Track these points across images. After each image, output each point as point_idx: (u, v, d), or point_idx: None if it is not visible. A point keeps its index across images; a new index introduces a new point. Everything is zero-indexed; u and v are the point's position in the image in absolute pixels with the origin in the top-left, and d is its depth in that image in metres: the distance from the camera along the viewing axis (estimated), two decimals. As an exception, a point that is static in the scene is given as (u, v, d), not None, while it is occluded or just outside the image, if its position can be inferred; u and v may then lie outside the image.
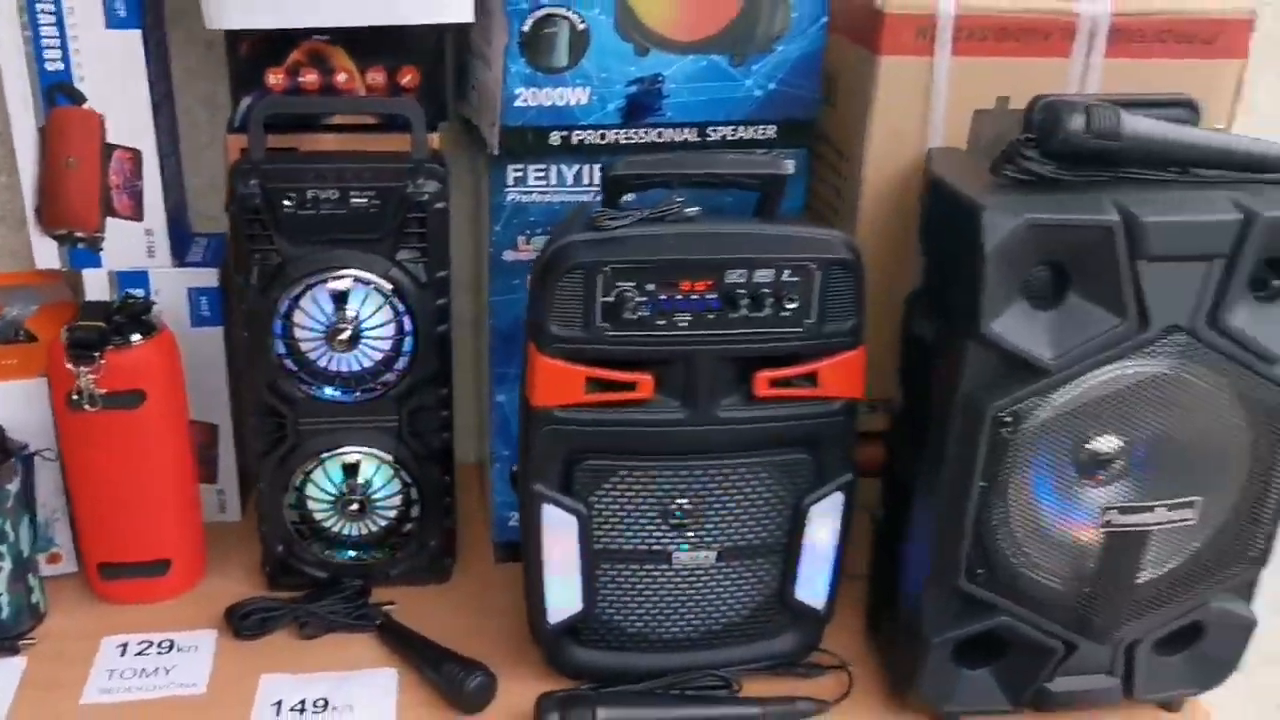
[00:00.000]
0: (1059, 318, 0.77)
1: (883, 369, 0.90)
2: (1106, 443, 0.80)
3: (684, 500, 0.86)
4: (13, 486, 0.91)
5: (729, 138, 0.94)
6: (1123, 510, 0.80)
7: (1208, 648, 0.90)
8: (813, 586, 0.91)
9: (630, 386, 0.82)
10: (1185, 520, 0.81)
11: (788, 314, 0.82)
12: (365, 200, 0.89)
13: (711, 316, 0.81)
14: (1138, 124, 0.77)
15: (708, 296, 0.81)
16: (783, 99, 0.94)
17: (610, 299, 0.80)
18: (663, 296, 0.80)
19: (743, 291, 0.81)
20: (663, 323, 0.81)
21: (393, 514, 1.00)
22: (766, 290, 0.81)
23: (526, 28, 0.88)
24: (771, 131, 0.95)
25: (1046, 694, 0.88)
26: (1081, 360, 0.76)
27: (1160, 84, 0.89)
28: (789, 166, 0.86)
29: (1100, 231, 0.74)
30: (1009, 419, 0.77)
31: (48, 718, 0.88)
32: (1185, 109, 0.83)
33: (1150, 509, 0.80)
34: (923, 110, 0.90)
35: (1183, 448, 0.80)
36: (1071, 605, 0.84)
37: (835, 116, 0.96)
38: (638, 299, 0.80)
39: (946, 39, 0.88)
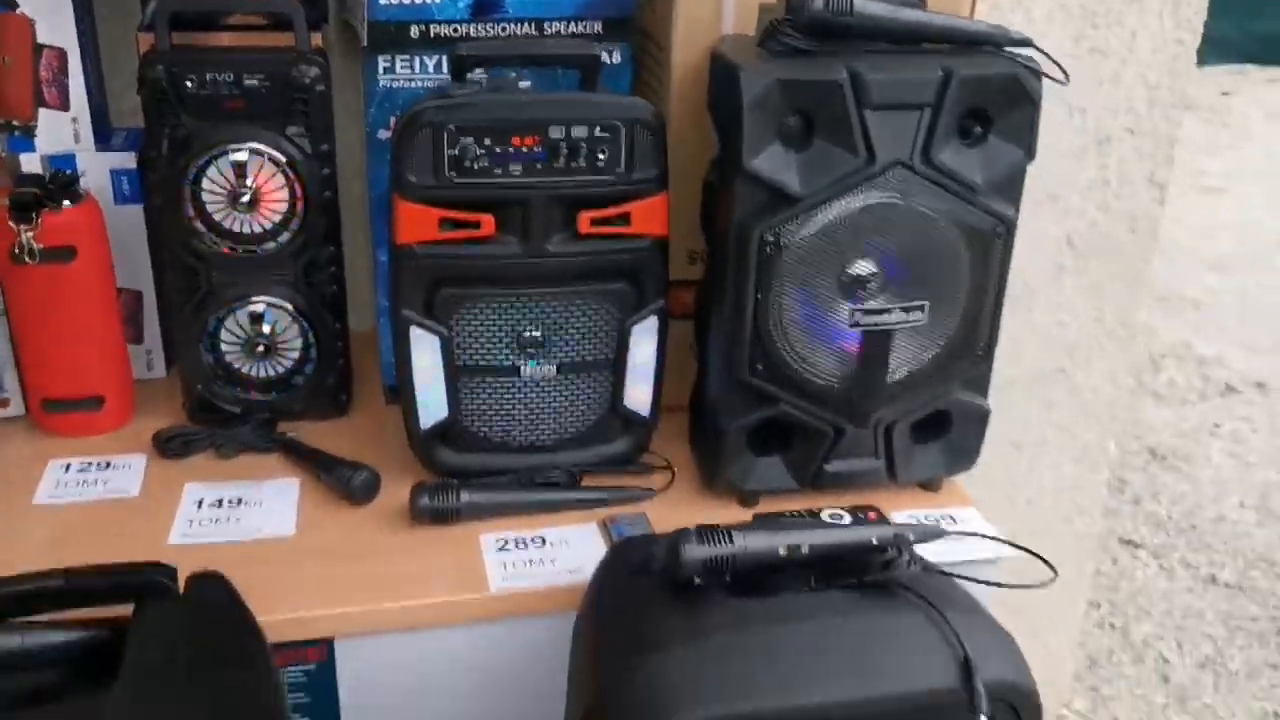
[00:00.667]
0: (807, 158, 0.98)
1: (698, 226, 1.11)
2: (861, 266, 1.01)
3: (530, 325, 1.06)
4: (-35, 328, 1.09)
5: (561, 32, 1.14)
6: (867, 313, 1.02)
7: (954, 437, 1.12)
8: (638, 396, 1.12)
9: (475, 225, 1.02)
10: (917, 321, 1.03)
11: (601, 164, 1.02)
12: (256, 83, 1.08)
13: (540, 166, 1.01)
14: (868, 6, 0.98)
15: (535, 150, 1.01)
16: (604, 1, 1.14)
17: (455, 152, 1.00)
18: (498, 149, 1.00)
19: (563, 145, 1.01)
20: (499, 171, 1.01)
21: (294, 356, 1.19)
22: (583, 144, 1.01)
23: (387, -63, 1.07)
24: (597, 27, 1.15)
25: (824, 474, 1.09)
26: (826, 190, 0.97)
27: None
28: (597, 48, 1.06)
29: (834, 86, 0.95)
30: (772, 239, 0.98)
31: (12, 519, 1.06)
32: (914, -7, 1.05)
33: (889, 311, 1.02)
34: (717, 7, 1.10)
35: (917, 265, 1.01)
36: (836, 395, 1.05)
37: (653, 15, 1.16)
38: (477, 151, 1.00)
39: (733, -55, 1.08)
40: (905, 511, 1.10)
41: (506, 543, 1.04)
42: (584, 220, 1.03)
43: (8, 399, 1.20)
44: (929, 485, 1.14)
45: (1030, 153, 1.01)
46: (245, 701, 0.79)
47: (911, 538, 0.87)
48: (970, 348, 1.06)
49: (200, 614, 0.87)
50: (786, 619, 0.80)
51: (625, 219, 1.04)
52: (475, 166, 1.00)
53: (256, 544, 1.03)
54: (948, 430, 1.12)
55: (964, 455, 1.13)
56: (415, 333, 1.05)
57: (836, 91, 0.95)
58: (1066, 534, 1.75)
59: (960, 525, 1.08)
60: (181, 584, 0.89)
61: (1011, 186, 1.02)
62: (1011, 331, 1.57)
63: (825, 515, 1.07)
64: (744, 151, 0.96)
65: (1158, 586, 2.63)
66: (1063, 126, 1.49)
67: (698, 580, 0.83)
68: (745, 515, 1.08)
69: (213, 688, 0.79)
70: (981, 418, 1.11)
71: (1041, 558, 0.92)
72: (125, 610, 0.86)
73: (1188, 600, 2.59)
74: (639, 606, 0.85)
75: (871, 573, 0.84)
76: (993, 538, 1.05)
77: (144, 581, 0.87)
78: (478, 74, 1.05)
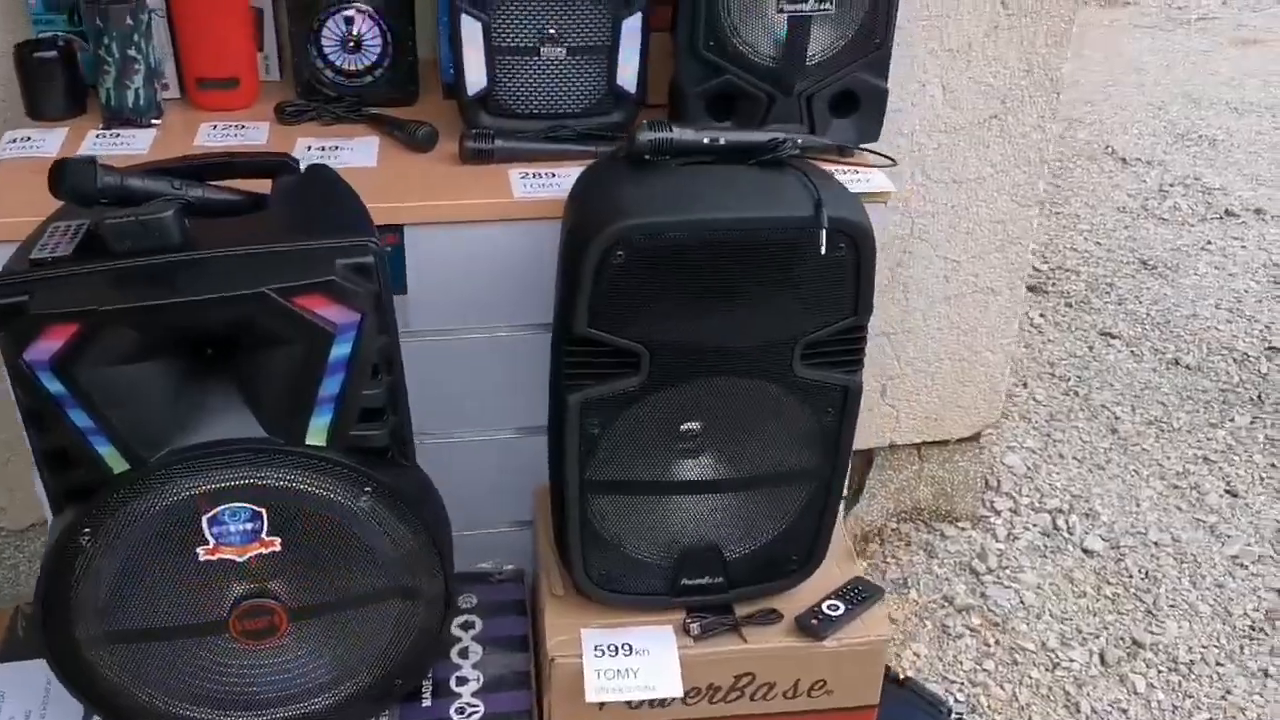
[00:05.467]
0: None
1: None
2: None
3: (547, 17, 1.45)
4: (145, 17, 1.51)
5: None
6: (790, 2, 1.39)
7: (861, 115, 1.50)
8: (627, 76, 1.50)
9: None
10: (827, 10, 1.40)
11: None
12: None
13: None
14: None
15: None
16: None
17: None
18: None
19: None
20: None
21: (376, 52, 1.59)
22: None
23: None
24: None
25: (762, 134, 1.48)
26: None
27: None
28: None
29: None
30: (719, -57, 1.36)
31: (174, 151, 1.48)
32: None
33: (805, 1, 1.39)
34: None
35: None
36: (768, 69, 1.43)
37: None
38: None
39: None
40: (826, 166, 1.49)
41: (528, 175, 1.45)
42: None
43: (168, 84, 1.62)
44: (844, 152, 1.52)
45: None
46: (355, 214, 1.21)
47: (799, 140, 1.26)
48: (871, 37, 1.43)
49: (318, 181, 1.30)
50: (700, 175, 1.21)
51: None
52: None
53: (346, 169, 1.45)
54: (857, 107, 1.49)
55: (870, 128, 1.51)
56: (465, 20, 1.44)
57: None
58: (1000, 260, 2.12)
59: (860, 176, 1.47)
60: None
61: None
62: (952, 83, 1.94)
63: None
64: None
65: (1124, 367, 3.00)
66: (995, -99, 1.83)
67: (648, 157, 1.23)
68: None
69: (332, 205, 1.22)
70: (880, 96, 1.49)
71: (887, 156, 1.30)
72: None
73: (1149, 377, 2.95)
74: (606, 174, 1.25)
75: (766, 154, 1.23)
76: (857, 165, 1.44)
77: (279, 162, 1.30)
78: None
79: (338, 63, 1.59)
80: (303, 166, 1.44)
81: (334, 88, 1.60)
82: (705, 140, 1.23)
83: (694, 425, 1.28)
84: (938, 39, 1.91)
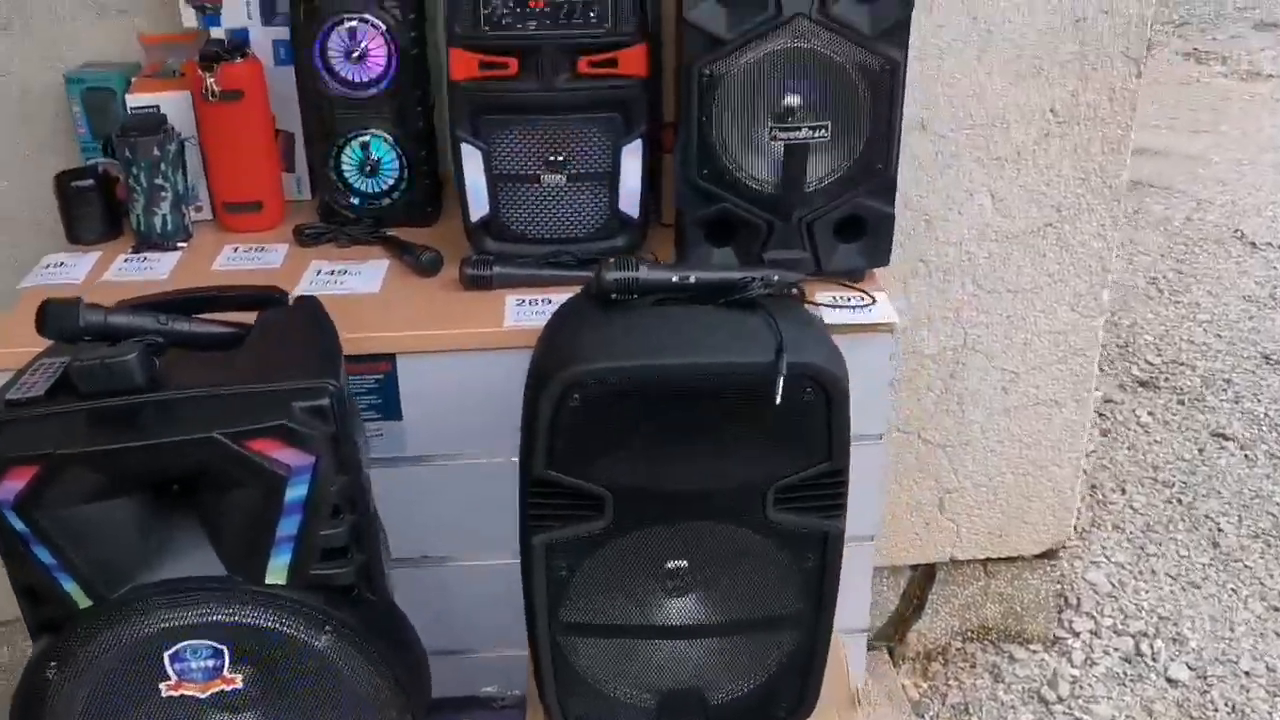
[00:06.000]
0: (733, 11, 1.32)
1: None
2: (780, 95, 1.35)
3: (546, 145, 1.45)
4: (172, 148, 1.57)
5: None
6: (783, 130, 1.36)
7: (869, 239, 1.45)
8: (629, 202, 1.49)
9: (504, 66, 1.42)
10: (823, 138, 1.36)
11: (594, 20, 1.40)
12: (361, -31, 1.50)
13: (549, 22, 1.40)
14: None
15: (544, 9, 1.39)
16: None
17: (488, 10, 1.39)
18: (518, 9, 1.39)
19: (564, 6, 1.39)
20: (520, 26, 1.40)
21: (393, 176, 1.62)
22: (579, 5, 1.39)
23: None
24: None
25: (763, 262, 1.44)
26: (745, 36, 1.32)
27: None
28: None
29: (749, -43, 1.30)
30: (707, 73, 1.34)
31: (196, 276, 1.54)
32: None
33: (800, 129, 1.36)
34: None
35: (823, 95, 1.35)
36: (766, 196, 1.40)
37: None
38: (503, 10, 1.39)
39: None
40: (827, 292, 1.44)
41: (524, 301, 1.44)
42: (583, 64, 1.41)
43: (201, 205, 1.68)
44: (854, 277, 1.47)
45: (908, 6, 1.32)
46: (324, 355, 1.23)
47: (775, 277, 1.22)
48: (873, 163, 1.39)
49: (301, 314, 1.32)
50: (661, 317, 1.18)
51: (614, 63, 1.42)
52: (503, 22, 1.39)
53: (351, 296, 1.47)
54: (864, 233, 1.44)
55: (878, 253, 1.45)
56: (465, 149, 1.46)
57: (752, -38, 1.30)
58: (1063, 372, 2.02)
59: (867, 304, 1.41)
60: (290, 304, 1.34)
61: (898, 34, 1.34)
62: (1002, 191, 1.87)
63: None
64: (684, 4, 1.32)
65: (1235, 472, 2.81)
66: (1040, 7, 1.76)
67: (614, 296, 1.21)
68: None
69: (304, 344, 1.23)
70: (886, 221, 1.43)
71: (864, 291, 1.25)
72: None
73: (1261, 484, 2.76)
74: (573, 313, 1.24)
75: (735, 294, 1.20)
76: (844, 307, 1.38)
77: (264, 296, 1.33)
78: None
79: (356, 185, 1.62)
80: (311, 289, 1.48)
81: (353, 210, 1.63)
82: (673, 279, 1.21)
83: (668, 568, 1.24)
84: (984, 147, 1.85)
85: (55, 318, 1.20)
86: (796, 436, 1.16)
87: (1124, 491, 2.76)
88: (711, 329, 1.17)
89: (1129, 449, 2.94)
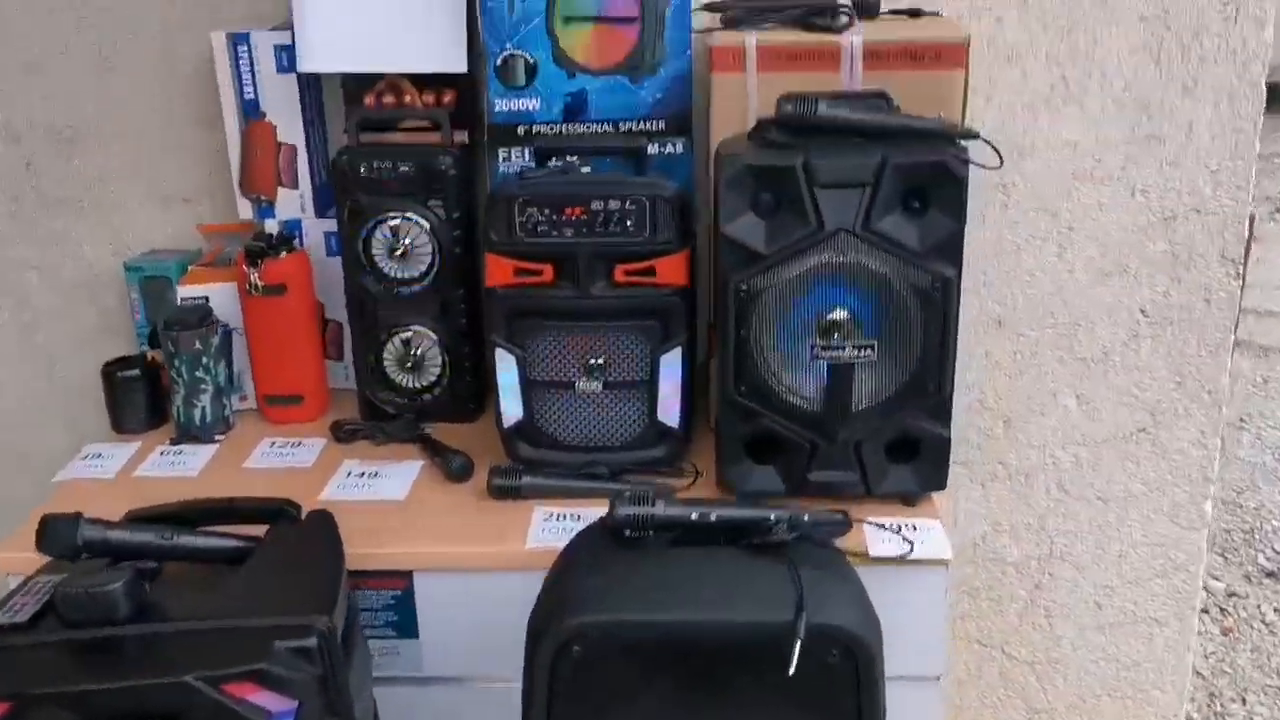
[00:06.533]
0: (772, 225, 1.25)
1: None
2: (822, 311, 1.26)
3: (582, 351, 1.39)
4: (216, 340, 1.55)
5: (634, 129, 1.48)
6: (825, 348, 1.27)
7: (924, 459, 1.33)
8: (669, 412, 1.41)
9: (539, 273, 1.36)
10: (868, 358, 1.27)
11: (631, 228, 1.34)
12: (407, 169, 1.48)
13: (585, 230, 1.34)
14: (830, 109, 1.25)
15: (581, 217, 1.34)
16: (667, 103, 1.46)
17: (523, 218, 1.35)
18: (554, 217, 1.34)
19: (601, 214, 1.34)
20: (555, 233, 1.35)
21: (435, 372, 1.57)
22: (615, 214, 1.33)
23: (499, 62, 1.45)
24: (662, 124, 1.48)
25: (808, 482, 1.34)
26: (785, 250, 1.24)
27: (905, 88, 1.35)
28: (642, 142, 1.39)
29: (789, 170, 1.23)
30: (745, 288, 1.26)
31: (226, 474, 1.50)
32: (881, 99, 1.29)
33: (843, 348, 1.27)
34: (744, 111, 1.39)
35: (869, 312, 1.26)
36: (809, 415, 1.30)
37: (703, 115, 1.47)
38: (539, 218, 1.35)
39: (752, 61, 1.38)
40: (878, 518, 1.32)
41: (551, 516, 1.36)
42: (619, 272, 1.36)
43: (246, 396, 1.66)
44: (908, 500, 1.35)
45: (960, 222, 1.23)
46: (324, 583, 1.16)
47: (806, 518, 1.12)
48: (925, 384, 1.28)
49: (311, 531, 1.26)
50: (674, 561, 1.08)
51: (652, 271, 1.36)
52: (538, 229, 1.35)
53: (376, 504, 1.41)
54: (918, 454, 1.33)
55: (934, 477, 1.34)
56: (499, 353, 1.40)
57: (791, 174, 1.22)
58: (1163, 588, 1.84)
59: (919, 534, 1.29)
60: (304, 516, 1.28)
61: (950, 250, 1.24)
62: (1089, 393, 1.74)
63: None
64: (720, 218, 1.25)
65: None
66: (1126, 205, 1.65)
67: (629, 533, 1.12)
68: (744, 511, 1.35)
69: (306, 568, 1.17)
70: (942, 445, 1.32)
71: (910, 542, 1.14)
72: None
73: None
74: (583, 549, 1.15)
75: (758, 538, 1.10)
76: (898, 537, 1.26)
77: (276, 509, 1.28)
78: (555, 162, 1.41)
79: (397, 381, 1.58)
80: (339, 492, 1.43)
81: (394, 405, 1.59)
82: (692, 517, 1.11)
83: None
84: (1067, 347, 1.73)
85: (53, 535, 1.16)
86: (822, 703, 1.04)
87: (1244, 701, 2.52)
88: (728, 580, 1.07)
89: (1252, 651, 2.70)
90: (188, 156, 1.72)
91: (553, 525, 1.34)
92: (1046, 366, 1.74)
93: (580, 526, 1.31)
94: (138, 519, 1.26)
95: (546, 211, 1.34)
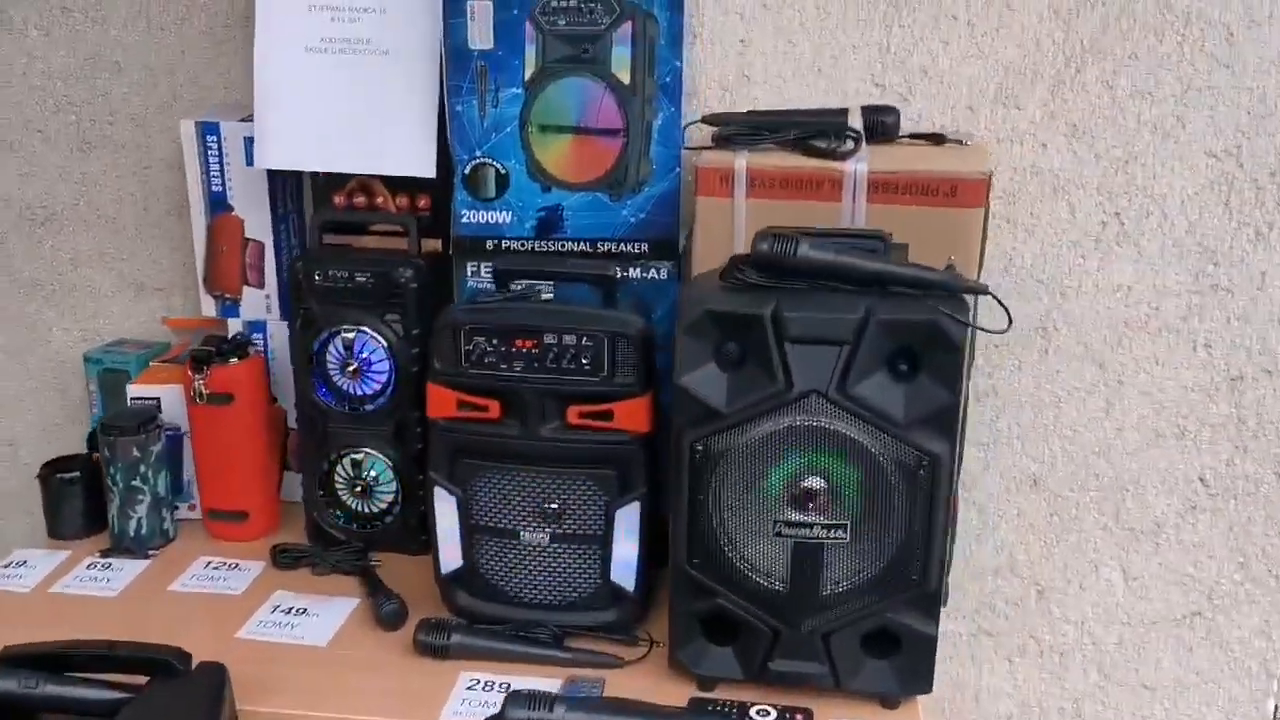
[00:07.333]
0: (736, 379, 1.08)
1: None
2: (788, 481, 1.09)
3: (528, 497, 1.23)
4: (156, 448, 1.44)
5: (612, 251, 1.33)
6: (789, 525, 1.09)
7: (906, 657, 1.14)
8: (624, 573, 1.24)
9: (484, 408, 1.22)
10: (840, 539, 1.08)
11: (587, 367, 1.18)
12: (365, 279, 1.35)
13: (536, 365, 1.19)
14: (813, 251, 1.08)
15: (532, 350, 1.19)
16: (650, 224, 1.31)
17: (470, 347, 1.20)
18: (503, 348, 1.20)
19: (554, 349, 1.19)
20: (504, 366, 1.20)
21: (387, 498, 1.43)
22: (571, 349, 1.18)
23: (467, 171, 1.32)
24: (645, 247, 1.32)
25: (769, 670, 1.15)
26: (747, 410, 1.07)
27: (914, 225, 1.18)
28: (611, 268, 1.23)
29: (756, 319, 1.06)
30: (701, 448, 1.09)
31: (148, 596, 1.37)
32: (877, 240, 1.12)
33: (811, 526, 1.09)
34: (729, 237, 1.24)
35: (840, 487, 1.08)
36: (770, 597, 1.12)
37: (688, 240, 1.31)
38: (486, 348, 1.20)
39: (742, 186, 1.22)
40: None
41: (476, 684, 1.20)
42: (573, 413, 1.20)
43: (195, 505, 1.54)
44: (887, 702, 1.16)
45: (955, 394, 1.05)
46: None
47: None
48: (907, 573, 1.09)
49: (194, 693, 1.12)
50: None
51: (609, 415, 1.20)
52: (485, 360, 1.20)
53: (294, 648, 1.26)
54: (899, 649, 1.14)
55: (917, 677, 1.14)
56: (438, 492, 1.25)
57: (759, 324, 1.06)
58: (1216, 795, 1.60)
59: (898, 749, 1.10)
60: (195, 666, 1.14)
61: (942, 423, 1.06)
62: (1135, 568, 1.52)
63: (753, 711, 1.13)
64: (678, 369, 1.09)
65: None
66: (1186, 360, 1.44)
67: (533, 736, 0.95)
68: (696, 695, 1.17)
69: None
70: (927, 644, 1.12)
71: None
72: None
73: None
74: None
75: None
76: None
77: (161, 660, 1.14)
78: (517, 284, 1.27)
79: (347, 503, 1.44)
80: (258, 630, 1.29)
81: (339, 529, 1.45)
82: (599, 726, 0.94)
83: None
84: (1113, 514, 1.51)
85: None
86: None
87: None
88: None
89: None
90: (162, 245, 1.62)
91: (476, 696, 1.18)
92: (1088, 534, 1.53)
93: (501, 698, 1.14)
94: (11, 658, 1.14)
95: (495, 342, 1.20)
